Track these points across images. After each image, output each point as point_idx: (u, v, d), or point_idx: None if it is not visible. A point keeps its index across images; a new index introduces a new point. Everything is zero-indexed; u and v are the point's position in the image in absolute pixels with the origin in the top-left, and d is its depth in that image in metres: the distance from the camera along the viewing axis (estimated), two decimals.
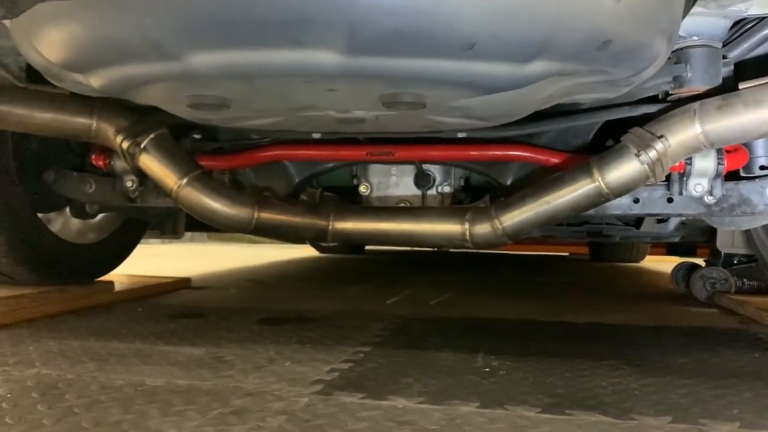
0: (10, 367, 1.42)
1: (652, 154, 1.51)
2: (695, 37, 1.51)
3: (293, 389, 1.28)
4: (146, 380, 1.33)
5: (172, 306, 2.38)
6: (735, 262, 2.82)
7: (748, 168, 1.81)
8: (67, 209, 2.50)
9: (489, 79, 1.09)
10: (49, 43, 1.06)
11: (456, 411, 1.16)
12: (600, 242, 5.35)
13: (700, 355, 1.68)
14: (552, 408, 1.19)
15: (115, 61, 1.08)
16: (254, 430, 1.04)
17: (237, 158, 1.98)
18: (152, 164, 1.68)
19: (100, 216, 2.60)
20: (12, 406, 1.14)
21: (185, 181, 1.68)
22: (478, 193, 2.19)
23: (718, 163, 1.71)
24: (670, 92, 1.61)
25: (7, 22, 1.11)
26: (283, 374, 1.40)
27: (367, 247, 6.07)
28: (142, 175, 2.00)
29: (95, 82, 1.19)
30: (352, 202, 2.23)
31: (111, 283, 2.63)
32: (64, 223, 2.52)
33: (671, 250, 5.36)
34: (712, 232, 2.75)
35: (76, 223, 2.55)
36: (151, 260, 3.98)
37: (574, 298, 2.98)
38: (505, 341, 1.81)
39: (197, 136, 1.99)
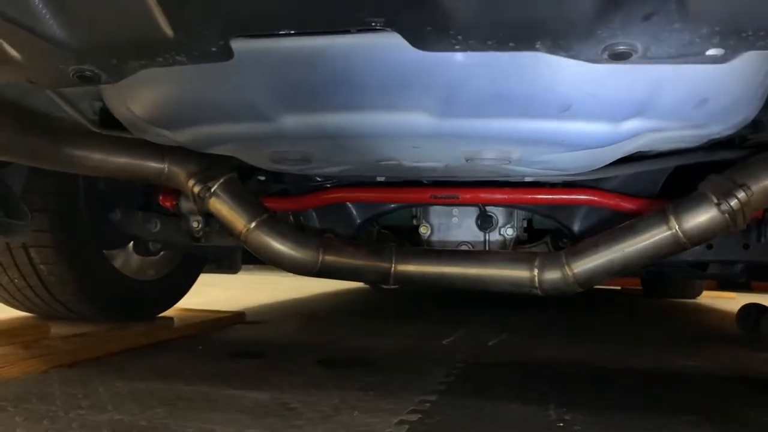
0: (84, 410, 1.44)
1: (734, 203, 1.45)
2: None
3: None
4: (217, 429, 1.33)
5: (230, 343, 2.39)
6: None
7: None
8: (130, 246, 2.55)
9: (582, 137, 1.07)
10: (143, 103, 1.08)
11: None
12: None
13: None
14: None
15: (208, 121, 1.10)
16: None
17: (302, 200, 1.98)
18: (222, 208, 1.70)
19: (160, 253, 2.64)
20: None
21: (253, 225, 1.69)
22: (539, 235, 2.15)
23: None
24: (748, 137, 1.56)
25: None
26: (351, 426, 1.38)
27: None
28: (207, 216, 2.03)
29: (182, 137, 1.21)
30: (410, 241, 2.21)
31: (171, 319, 2.66)
32: (125, 260, 2.57)
33: (724, 284, 5.09)
34: None
35: (137, 259, 2.60)
36: (202, 290, 4.02)
37: (634, 340, 2.89)
38: (574, 391, 1.75)
39: (262, 178, 2.01)
